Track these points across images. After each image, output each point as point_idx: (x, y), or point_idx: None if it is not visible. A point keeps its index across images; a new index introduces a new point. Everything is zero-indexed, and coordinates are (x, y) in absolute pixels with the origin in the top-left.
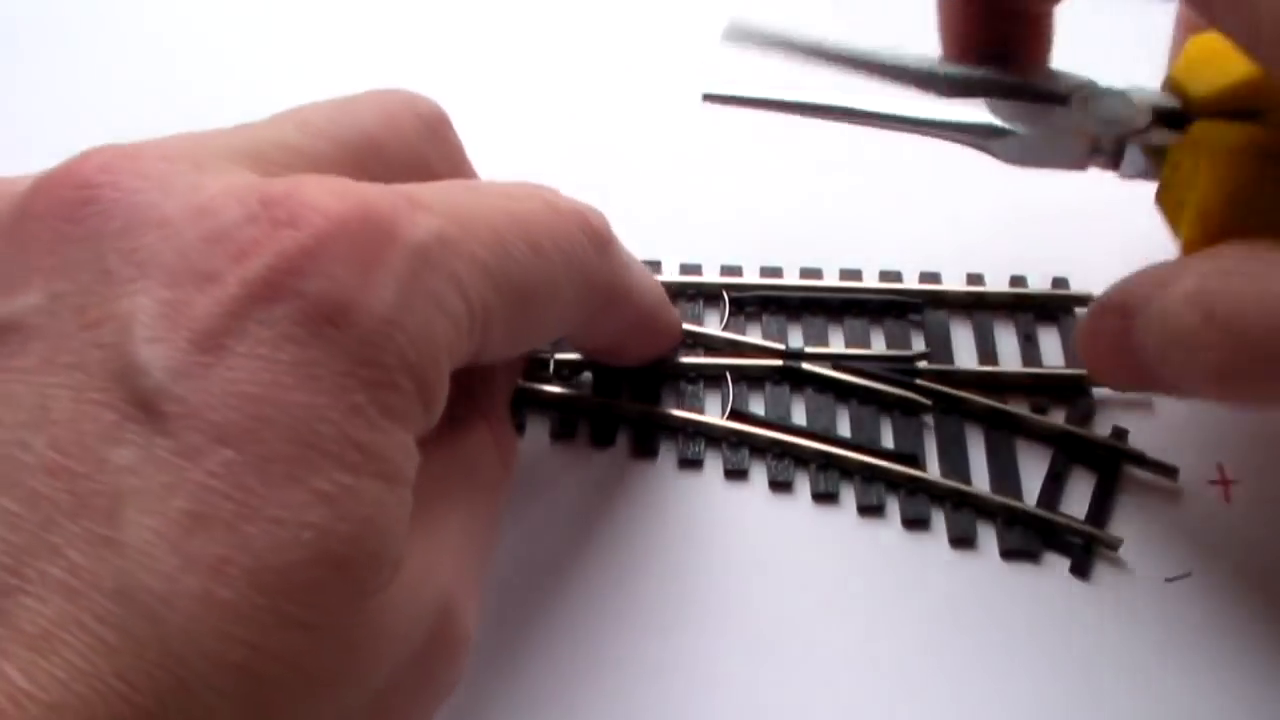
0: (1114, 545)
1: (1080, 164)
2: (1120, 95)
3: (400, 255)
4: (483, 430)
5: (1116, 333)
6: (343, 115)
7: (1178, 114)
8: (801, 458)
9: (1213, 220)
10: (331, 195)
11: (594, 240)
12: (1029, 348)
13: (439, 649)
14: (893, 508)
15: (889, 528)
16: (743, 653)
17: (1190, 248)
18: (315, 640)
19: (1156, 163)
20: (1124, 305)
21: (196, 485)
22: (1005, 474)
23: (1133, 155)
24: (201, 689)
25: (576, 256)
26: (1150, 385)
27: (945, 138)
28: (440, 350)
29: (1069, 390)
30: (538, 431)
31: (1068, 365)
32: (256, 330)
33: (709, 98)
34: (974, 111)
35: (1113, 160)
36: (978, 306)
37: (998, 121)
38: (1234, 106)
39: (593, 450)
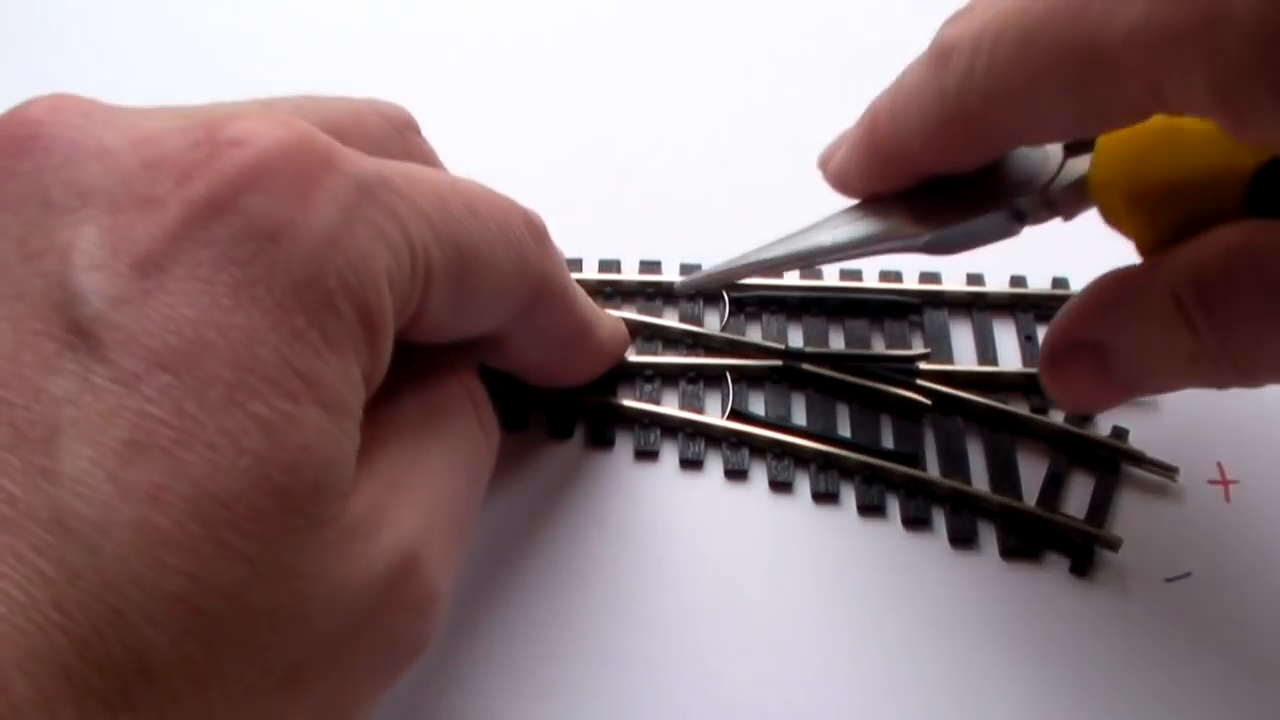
0: (1114, 545)
1: (1011, 232)
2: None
3: (341, 181)
4: (458, 390)
5: (1093, 365)
6: (310, 104)
7: (1089, 142)
8: (801, 458)
9: (1149, 206)
10: (274, 123)
11: (529, 228)
12: (1029, 348)
13: (402, 604)
14: (893, 508)
15: (889, 528)
16: (743, 652)
17: (1144, 244)
18: (256, 573)
19: (1084, 192)
20: (1095, 339)
21: (134, 412)
22: (1005, 474)
23: (1062, 197)
24: (139, 619)
25: (513, 232)
26: (1134, 396)
27: (881, 252)
28: (380, 277)
29: None
30: (536, 431)
31: None
32: (197, 252)
33: (682, 289)
34: (889, 222)
35: (1044, 214)
36: (977, 306)
37: (911, 225)
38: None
39: (592, 451)
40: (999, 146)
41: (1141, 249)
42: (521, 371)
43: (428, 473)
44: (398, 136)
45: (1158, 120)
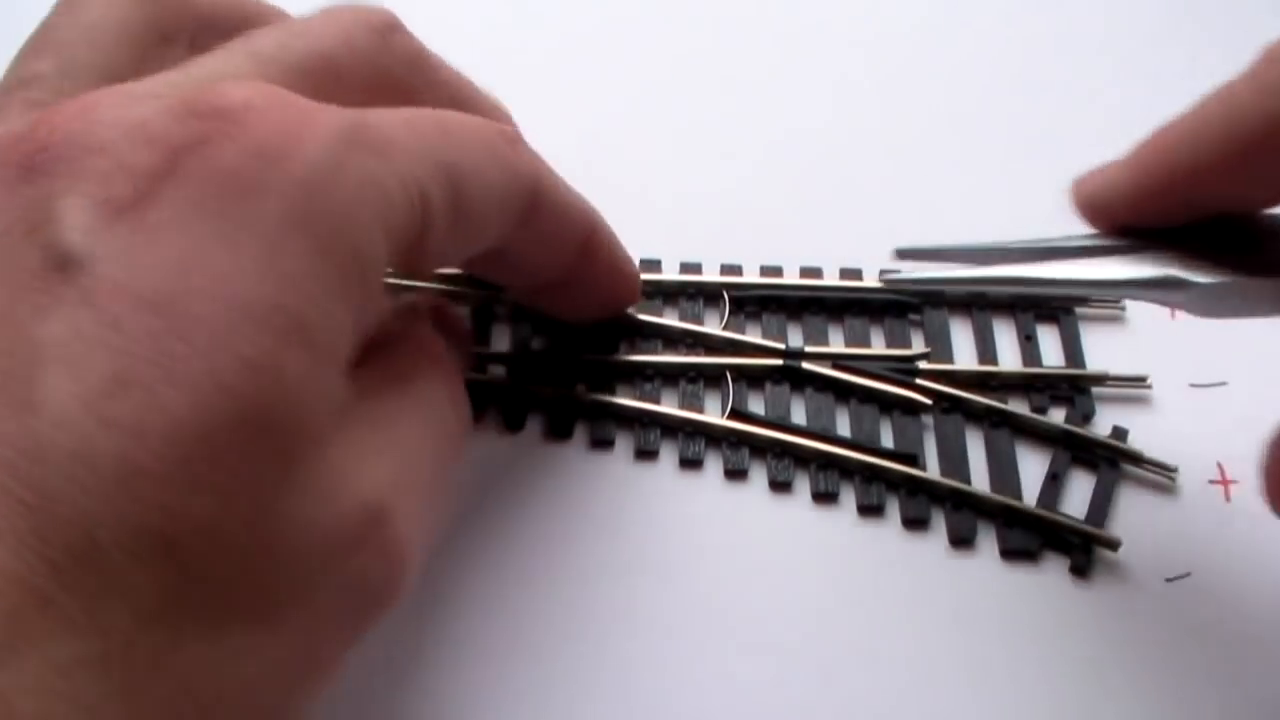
0: (1114, 545)
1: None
2: None
3: (322, 132)
4: (424, 361)
5: None
6: (293, 39)
7: None
8: (801, 458)
9: None
10: (252, 88)
11: (504, 138)
12: (1029, 348)
13: (370, 551)
14: (893, 508)
15: (889, 528)
16: (742, 652)
17: None
18: (230, 509)
19: None
20: None
21: (118, 351)
22: (1005, 474)
23: None
24: (114, 550)
25: (492, 143)
26: None
27: (1125, 296)
28: (371, 223)
29: (1069, 390)
30: (535, 431)
31: (1068, 365)
32: (180, 199)
33: (888, 285)
34: (1151, 264)
35: None
36: (977, 306)
37: (1178, 272)
38: None
39: (592, 451)
40: None
41: None
42: (541, 293)
43: (394, 432)
44: (388, 47)
45: None
